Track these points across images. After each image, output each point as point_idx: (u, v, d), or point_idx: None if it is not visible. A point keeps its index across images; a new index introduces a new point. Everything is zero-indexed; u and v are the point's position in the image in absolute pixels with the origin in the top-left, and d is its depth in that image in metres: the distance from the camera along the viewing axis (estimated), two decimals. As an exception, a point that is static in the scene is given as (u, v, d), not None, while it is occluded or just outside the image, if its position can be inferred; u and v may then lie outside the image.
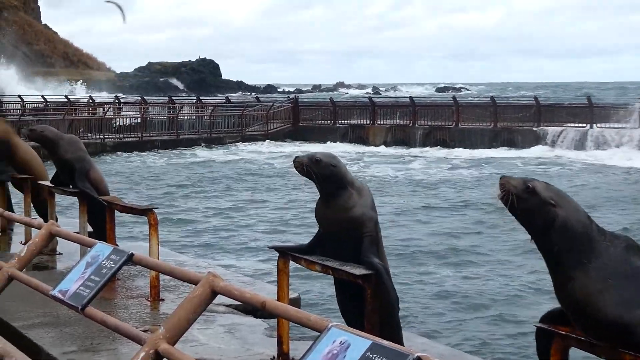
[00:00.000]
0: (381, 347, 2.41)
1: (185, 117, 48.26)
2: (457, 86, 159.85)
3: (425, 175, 33.37)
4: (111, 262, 3.86)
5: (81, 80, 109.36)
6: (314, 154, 6.65)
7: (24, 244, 11.65)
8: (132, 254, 3.81)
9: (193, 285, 9.04)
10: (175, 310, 3.22)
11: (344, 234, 6.60)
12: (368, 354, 2.42)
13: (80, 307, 3.75)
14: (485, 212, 23.56)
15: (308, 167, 6.51)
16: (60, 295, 3.93)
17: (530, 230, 4.74)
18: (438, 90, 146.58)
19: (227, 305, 8.43)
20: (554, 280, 4.71)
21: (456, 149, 42.18)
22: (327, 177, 6.54)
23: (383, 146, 44.63)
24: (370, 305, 6.19)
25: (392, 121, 47.03)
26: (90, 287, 3.80)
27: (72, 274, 4.02)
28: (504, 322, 13.00)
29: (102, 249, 4.02)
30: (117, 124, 45.89)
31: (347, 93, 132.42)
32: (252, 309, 8.46)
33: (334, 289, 7.00)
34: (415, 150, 42.72)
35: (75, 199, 11.57)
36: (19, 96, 57.01)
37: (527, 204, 4.66)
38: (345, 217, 6.60)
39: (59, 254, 11.11)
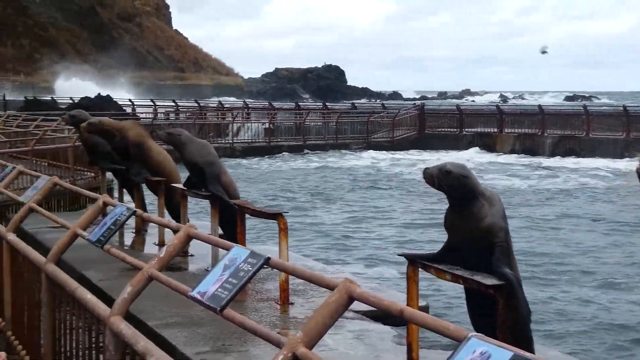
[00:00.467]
0: (524, 360, 2.39)
1: (312, 123, 48.68)
2: (587, 95, 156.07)
3: (553, 185, 32.73)
4: (248, 266, 3.93)
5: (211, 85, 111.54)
6: (443, 165, 6.58)
7: (158, 245, 11.99)
8: (268, 258, 3.87)
9: (323, 290, 9.14)
10: (313, 315, 3.25)
11: (474, 244, 6.54)
12: (510, 365, 2.40)
13: (218, 308, 3.82)
14: (618, 224, 22.95)
15: (438, 179, 6.46)
16: (199, 297, 4.02)
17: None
18: (567, 99, 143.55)
19: (355, 311, 8.46)
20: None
21: (586, 159, 41.23)
22: (457, 188, 6.48)
23: (511, 155, 43.99)
24: (501, 316, 6.11)
25: (520, 129, 46.33)
26: (228, 289, 3.87)
27: (209, 276, 4.11)
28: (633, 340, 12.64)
29: (239, 252, 4.10)
30: (246, 129, 46.52)
31: (473, 100, 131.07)
32: (380, 315, 8.47)
33: (464, 298, 6.94)
34: (544, 160, 41.93)
35: (205, 202, 11.80)
36: (152, 100, 58.56)
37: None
38: (476, 227, 6.53)
39: (191, 255, 11.34)
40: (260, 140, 45.32)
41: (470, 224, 6.53)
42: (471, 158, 41.54)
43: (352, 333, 7.85)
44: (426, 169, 6.56)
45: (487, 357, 2.50)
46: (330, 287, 3.39)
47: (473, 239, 6.53)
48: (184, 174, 11.97)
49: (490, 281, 6.21)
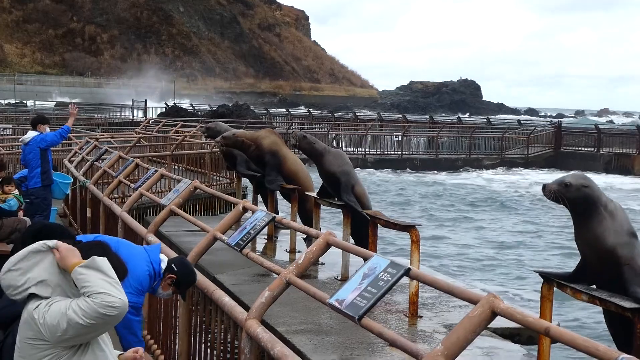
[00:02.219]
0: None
1: (444, 138, 48.33)
2: None
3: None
4: (388, 275, 3.91)
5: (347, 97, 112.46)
6: (563, 178, 6.45)
7: (289, 251, 12.11)
8: (409, 269, 3.85)
9: (450, 305, 9.04)
10: (454, 329, 3.22)
11: (600, 262, 6.37)
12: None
13: (357, 317, 3.82)
14: None
15: (559, 192, 6.31)
16: (337, 304, 4.03)
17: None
18: None
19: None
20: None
21: None
22: (579, 200, 6.31)
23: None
24: (638, 339, 5.93)
25: (660, 151, 44.84)
26: (367, 298, 3.87)
27: (348, 284, 4.11)
28: None
29: (379, 261, 4.09)
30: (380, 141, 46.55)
31: (612, 120, 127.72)
32: (509, 333, 8.32)
33: (603, 318, 6.77)
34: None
35: (337, 212, 11.84)
36: (287, 109, 59.30)
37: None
38: (597, 245, 6.35)
39: (322, 264, 11.40)
40: (392, 153, 45.27)
41: (592, 241, 6.35)
42: (606, 181, 40.42)
43: (481, 350, 7.74)
44: (545, 185, 6.43)
45: (636, 382, 2.42)
46: (474, 301, 3.34)
47: (598, 258, 6.36)
48: (316, 184, 12.05)
49: (628, 304, 6.03)
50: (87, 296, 3.81)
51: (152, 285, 5.75)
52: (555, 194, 6.30)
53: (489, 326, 8.13)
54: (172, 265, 5.77)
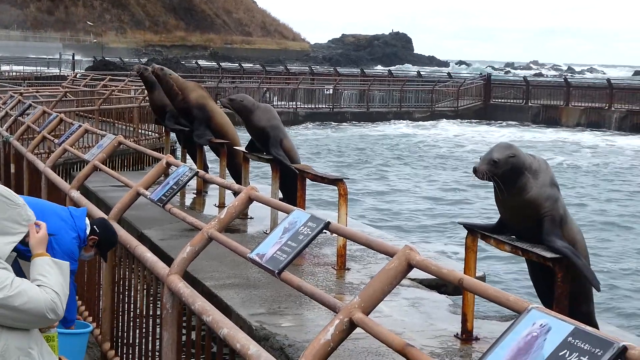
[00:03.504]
0: (584, 333, 2.34)
1: (375, 91, 48.45)
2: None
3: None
4: (308, 229, 3.91)
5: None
6: (490, 155, 6.40)
7: (218, 206, 12.06)
8: (329, 222, 3.85)
9: (379, 257, 9.13)
10: (370, 281, 3.23)
11: (523, 217, 6.45)
12: (570, 339, 2.35)
13: (277, 271, 3.82)
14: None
15: (490, 172, 6.33)
16: (257, 259, 4.02)
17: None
18: (637, 73, 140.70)
19: (411, 279, 8.43)
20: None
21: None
22: (507, 172, 6.35)
23: (577, 129, 43.31)
24: (559, 289, 6.05)
25: (586, 103, 45.56)
26: (287, 252, 3.87)
27: (269, 238, 4.11)
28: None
29: (299, 215, 4.09)
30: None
31: (541, 73, 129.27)
32: (436, 284, 8.44)
33: (526, 269, 6.88)
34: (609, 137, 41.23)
35: (266, 166, 11.83)
36: (218, 63, 58.80)
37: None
38: (522, 201, 6.42)
39: (250, 218, 11.40)
40: (324, 107, 45.26)
41: (516, 198, 6.42)
42: (535, 136, 41.00)
43: (407, 300, 7.83)
44: (474, 168, 6.38)
45: (547, 330, 2.46)
46: (390, 254, 3.36)
47: (521, 213, 6.44)
48: (243, 138, 12.01)
49: (550, 254, 6.14)
50: (38, 286, 3.69)
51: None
52: (487, 174, 6.31)
53: (416, 278, 8.32)
54: (94, 227, 5.71)
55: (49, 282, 3.71)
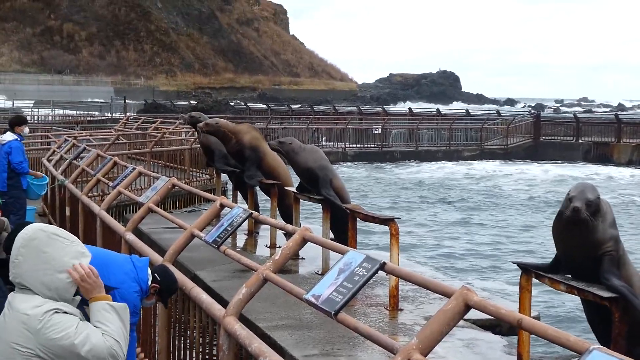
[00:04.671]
0: (648, 375, 2.32)
1: (424, 130, 48.40)
2: None
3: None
4: (363, 270, 3.93)
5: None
6: (583, 195, 6.42)
7: (269, 247, 12.11)
8: (384, 263, 3.86)
9: (431, 298, 9.08)
10: (428, 322, 3.23)
11: (584, 255, 6.42)
12: (633, 381, 2.34)
13: (333, 312, 3.84)
14: None
15: (586, 211, 6.35)
16: (313, 300, 4.04)
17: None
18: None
19: (465, 319, 8.37)
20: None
21: None
22: (593, 212, 6.39)
23: (629, 166, 42.81)
24: (617, 328, 5.99)
25: (638, 140, 45.05)
26: (342, 293, 3.88)
27: (324, 279, 4.12)
28: None
29: (354, 256, 4.10)
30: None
31: (591, 109, 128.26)
32: (490, 325, 8.37)
33: (582, 309, 6.81)
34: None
35: (317, 207, 11.86)
36: (267, 104, 59.23)
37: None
38: (587, 239, 6.40)
39: (302, 258, 11.41)
40: (372, 146, 45.30)
41: (584, 237, 6.39)
42: (589, 171, 40.62)
43: (461, 342, 7.77)
44: (578, 207, 6.37)
45: (608, 371, 2.45)
46: (447, 294, 3.36)
47: (583, 251, 6.41)
48: (296, 179, 12.06)
49: (606, 293, 6.08)
50: (101, 334, 3.70)
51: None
52: (584, 214, 6.34)
53: (470, 318, 8.27)
54: (155, 274, 5.74)
55: (109, 330, 3.73)
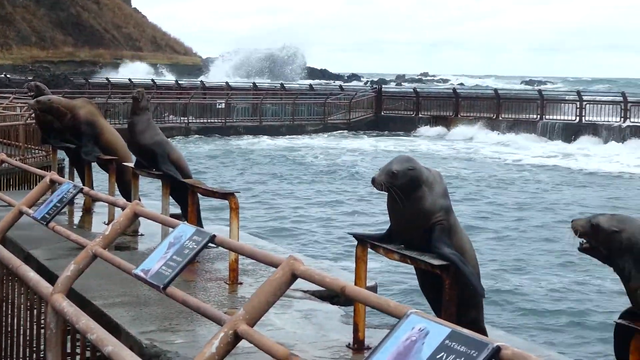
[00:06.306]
0: (461, 335, 2.39)
1: (268, 104, 48.51)
2: (542, 80, 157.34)
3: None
4: (193, 243, 3.89)
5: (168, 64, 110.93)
6: (389, 166, 6.50)
7: (107, 223, 11.87)
8: (214, 235, 3.83)
9: (272, 270, 9.13)
10: (255, 293, 3.23)
11: (415, 226, 6.56)
12: (447, 341, 2.40)
13: (161, 286, 3.79)
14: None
15: (388, 183, 6.41)
16: (142, 274, 3.98)
17: (607, 262, 5.29)
18: (524, 83, 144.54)
19: (304, 291, 8.46)
20: (628, 294, 5.07)
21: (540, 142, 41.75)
22: (406, 184, 6.45)
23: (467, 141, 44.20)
24: (447, 295, 6.15)
25: (475, 114, 46.58)
26: (172, 267, 3.84)
27: (154, 254, 4.07)
28: (583, 319, 12.86)
29: (184, 229, 4.06)
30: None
31: (432, 83, 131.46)
32: (328, 295, 8.48)
33: (416, 277, 6.97)
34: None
35: (159, 183, 11.72)
36: (107, 79, 57.97)
37: (596, 239, 5.23)
38: (417, 210, 6.53)
39: (141, 235, 11.27)
40: (216, 121, 45.07)
41: (412, 209, 6.52)
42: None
43: (299, 312, 7.85)
44: (374, 179, 6.45)
45: (425, 334, 2.51)
46: (275, 265, 3.37)
47: (414, 222, 6.54)
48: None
49: (437, 261, 6.24)
50: None
51: None
52: (386, 185, 6.38)
53: (309, 289, 8.35)
54: None
55: None
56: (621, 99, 42.72)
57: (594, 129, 41.72)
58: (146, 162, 11.14)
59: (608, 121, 41.97)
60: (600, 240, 5.25)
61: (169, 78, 78.43)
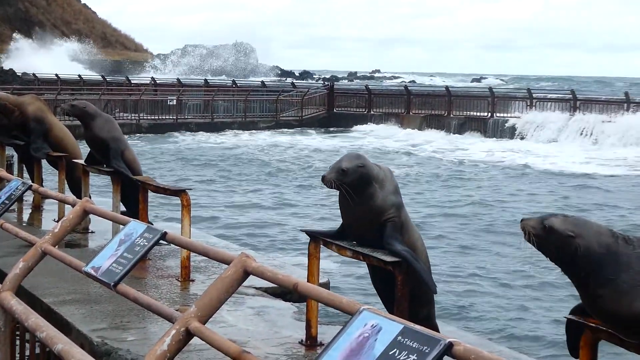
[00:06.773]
0: (413, 332, 2.39)
1: (220, 101, 48.32)
2: (492, 77, 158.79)
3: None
4: (144, 240, 3.87)
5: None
6: (339, 163, 6.51)
7: (57, 221, 11.74)
8: (165, 233, 3.81)
9: (224, 267, 9.11)
10: (207, 290, 3.22)
11: (367, 223, 6.57)
12: (399, 338, 2.40)
13: (112, 283, 3.76)
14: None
15: (338, 181, 6.41)
16: (92, 272, 3.95)
17: (557, 263, 4.93)
18: (474, 80, 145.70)
19: (256, 288, 8.45)
20: (582, 297, 4.86)
21: (490, 139, 42.07)
22: (356, 181, 6.45)
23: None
24: (400, 291, 6.18)
25: (427, 111, 46.81)
26: (122, 264, 3.81)
27: (105, 251, 4.04)
28: (534, 314, 13.00)
29: (135, 226, 4.03)
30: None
31: (383, 81, 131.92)
32: (281, 292, 8.48)
33: (369, 274, 6.99)
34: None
35: (109, 179, 11.64)
36: (56, 75, 57.34)
37: (548, 241, 4.83)
38: (368, 208, 6.55)
39: (92, 232, 11.19)
40: (168, 118, 44.80)
41: (363, 206, 6.53)
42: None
43: (252, 309, 7.85)
44: (323, 177, 6.46)
45: (377, 330, 2.51)
46: (226, 262, 3.36)
47: (366, 219, 6.55)
48: (85, 151, 11.77)
49: (390, 258, 6.26)
50: None
51: None
52: (336, 183, 6.37)
53: (262, 286, 8.33)
54: None
55: None
56: (570, 96, 43.24)
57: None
58: (99, 156, 11.03)
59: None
60: (553, 243, 4.86)
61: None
